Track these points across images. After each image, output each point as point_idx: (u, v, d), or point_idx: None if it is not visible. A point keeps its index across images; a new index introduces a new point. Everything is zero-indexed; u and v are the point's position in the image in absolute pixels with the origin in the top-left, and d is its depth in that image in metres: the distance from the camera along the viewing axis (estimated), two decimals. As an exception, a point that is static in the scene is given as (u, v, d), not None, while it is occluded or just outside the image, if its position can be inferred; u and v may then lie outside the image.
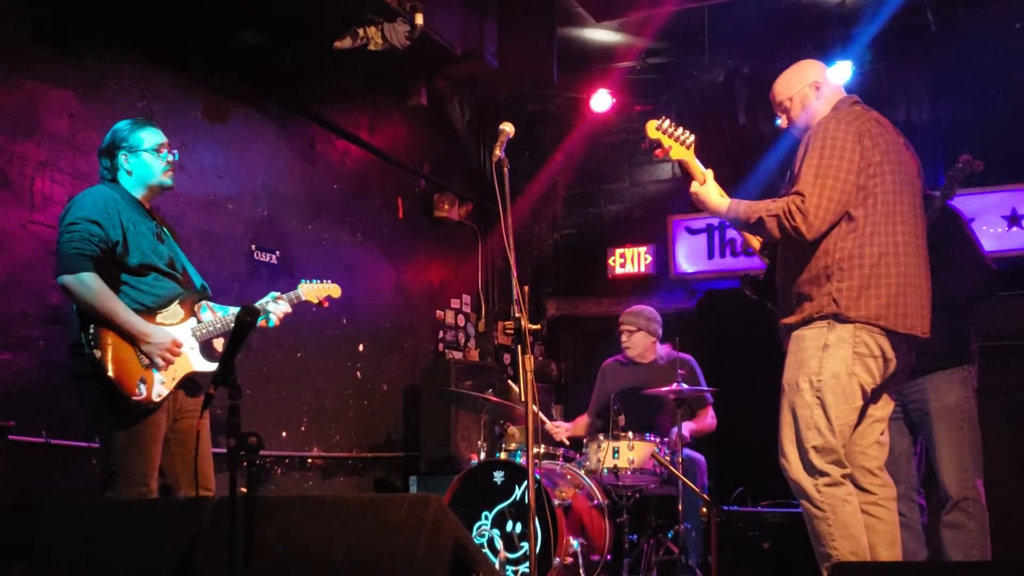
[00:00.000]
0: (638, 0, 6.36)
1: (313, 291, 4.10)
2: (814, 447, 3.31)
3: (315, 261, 5.91)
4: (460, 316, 7.44)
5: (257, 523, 2.38)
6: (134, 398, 3.46)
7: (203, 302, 3.79)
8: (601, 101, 7.37)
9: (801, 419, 3.35)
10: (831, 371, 3.31)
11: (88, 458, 4.28)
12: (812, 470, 3.32)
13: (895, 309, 3.32)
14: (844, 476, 3.33)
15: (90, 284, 3.44)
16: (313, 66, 5.77)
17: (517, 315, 3.20)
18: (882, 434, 3.52)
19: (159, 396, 3.53)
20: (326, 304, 4.16)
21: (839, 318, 3.31)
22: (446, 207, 7.11)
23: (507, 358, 7.75)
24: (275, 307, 3.93)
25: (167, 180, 3.76)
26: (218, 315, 3.78)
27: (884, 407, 3.52)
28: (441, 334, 7.20)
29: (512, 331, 3.22)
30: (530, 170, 7.77)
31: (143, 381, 3.49)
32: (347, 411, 6.15)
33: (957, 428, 4.17)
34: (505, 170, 3.29)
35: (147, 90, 4.84)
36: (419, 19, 5.23)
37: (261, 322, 3.91)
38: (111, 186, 3.69)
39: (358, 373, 6.27)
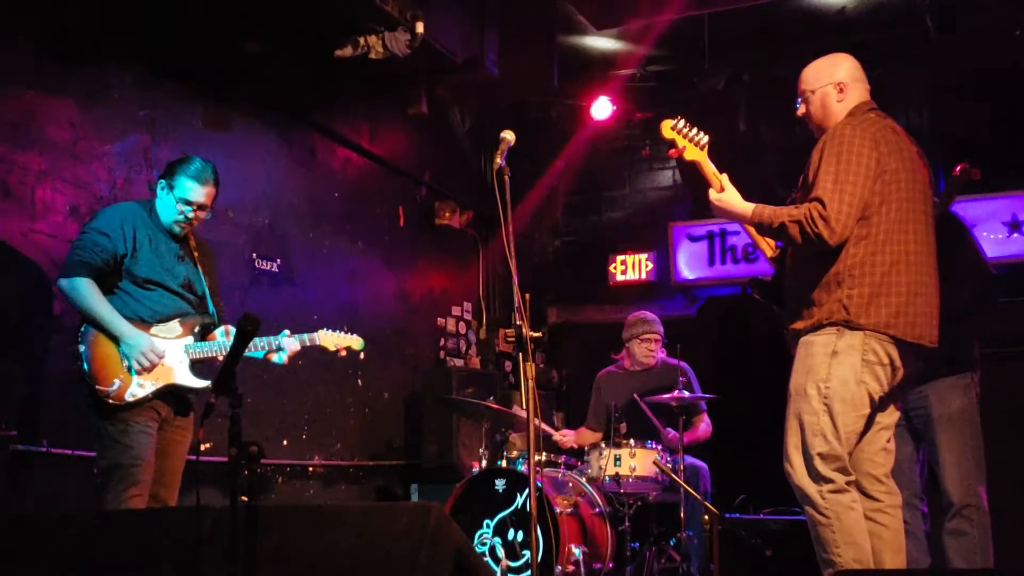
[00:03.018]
0: (638, 8, 6.37)
1: (332, 339, 4.00)
2: (819, 454, 3.30)
3: (316, 269, 5.91)
4: (461, 323, 7.44)
5: (258, 533, 2.37)
6: (102, 388, 3.62)
7: (210, 325, 3.92)
8: (601, 108, 7.39)
9: (807, 425, 3.33)
10: (840, 378, 3.30)
11: (89, 467, 4.26)
12: (817, 477, 3.30)
13: (904, 318, 3.31)
14: (849, 483, 3.32)
15: (79, 288, 3.66)
16: (314, 75, 5.77)
17: (518, 322, 3.19)
18: (888, 441, 3.50)
19: (132, 396, 3.67)
20: (344, 354, 4.05)
21: (849, 325, 3.29)
22: (447, 215, 7.11)
23: (508, 366, 7.74)
24: (288, 342, 3.91)
25: (176, 229, 3.92)
26: (220, 339, 3.89)
27: (891, 414, 3.51)
28: (442, 342, 7.19)
29: (513, 339, 3.21)
30: (531, 177, 7.76)
31: (120, 380, 3.66)
32: (348, 419, 6.14)
33: (960, 435, 4.16)
34: (506, 178, 3.28)
35: (148, 99, 4.84)
36: (420, 28, 5.24)
37: (267, 354, 3.93)
38: (144, 203, 3.91)
39: (359, 381, 6.26)
